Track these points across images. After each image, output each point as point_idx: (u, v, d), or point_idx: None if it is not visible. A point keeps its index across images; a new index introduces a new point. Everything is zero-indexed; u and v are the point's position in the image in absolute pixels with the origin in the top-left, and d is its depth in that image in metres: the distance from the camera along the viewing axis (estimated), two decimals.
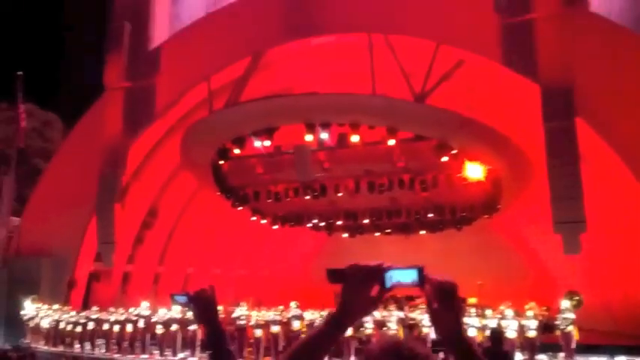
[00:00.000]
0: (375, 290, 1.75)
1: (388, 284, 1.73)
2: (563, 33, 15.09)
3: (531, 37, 15.31)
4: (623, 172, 14.96)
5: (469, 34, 15.98)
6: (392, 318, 15.42)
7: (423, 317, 15.14)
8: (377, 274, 1.73)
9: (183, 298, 2.63)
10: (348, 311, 1.76)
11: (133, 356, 17.84)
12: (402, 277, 1.73)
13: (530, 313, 14.42)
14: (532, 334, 14.23)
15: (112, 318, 18.52)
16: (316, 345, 1.76)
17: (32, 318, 20.58)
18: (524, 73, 15.40)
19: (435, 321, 1.77)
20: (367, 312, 1.79)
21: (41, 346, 19.55)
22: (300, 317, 15.96)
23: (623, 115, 14.86)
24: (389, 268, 1.73)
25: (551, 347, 14.89)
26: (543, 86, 14.99)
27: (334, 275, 1.78)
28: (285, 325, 16.24)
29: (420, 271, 1.72)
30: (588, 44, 15.13)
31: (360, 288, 1.74)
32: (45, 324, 19.93)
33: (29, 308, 20.87)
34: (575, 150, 14.55)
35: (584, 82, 14.74)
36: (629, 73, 14.92)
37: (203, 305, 2.56)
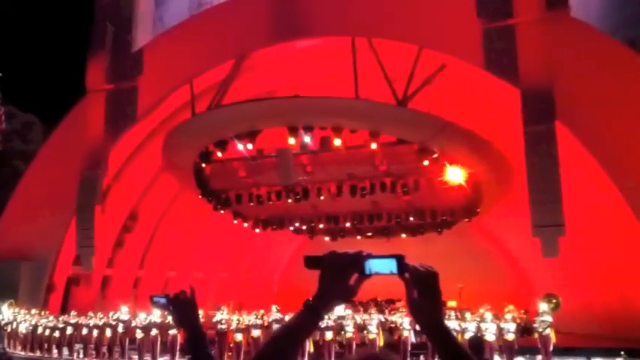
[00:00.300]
0: (353, 278, 1.70)
1: (367, 272, 1.69)
2: (544, 38, 15.26)
3: (512, 41, 15.46)
4: (601, 176, 15.11)
5: (451, 38, 16.11)
6: (372, 321, 15.42)
7: (403, 320, 15.16)
8: (356, 261, 1.69)
9: (162, 300, 2.58)
10: (325, 298, 1.71)
11: None
12: (382, 265, 1.68)
13: (508, 316, 14.50)
14: (510, 337, 14.30)
15: (91, 322, 18.30)
16: (293, 332, 1.72)
17: (9, 323, 20.27)
18: (505, 77, 15.54)
19: (414, 310, 1.72)
20: (344, 300, 1.75)
21: (18, 352, 19.26)
22: (281, 321, 15.87)
23: (602, 120, 15.04)
24: (368, 256, 1.69)
25: (530, 350, 14.98)
26: (524, 90, 15.13)
27: (312, 262, 1.74)
28: (266, 329, 16.15)
29: (400, 259, 1.67)
30: (569, 49, 15.31)
31: (337, 275, 1.69)
32: (22, 329, 19.64)
33: (6, 313, 20.57)
34: (555, 154, 14.68)
35: (564, 87, 14.90)
36: (608, 77, 15.09)
37: (183, 307, 2.51)
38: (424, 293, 1.69)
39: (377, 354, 1.70)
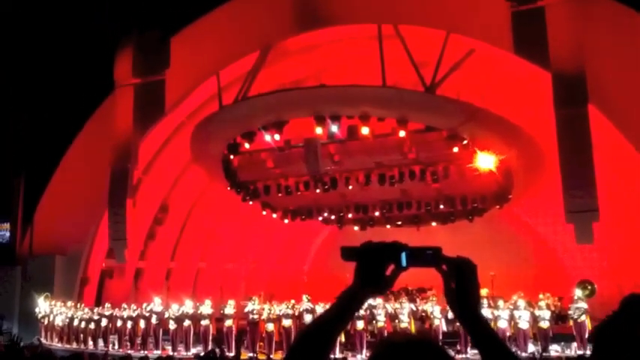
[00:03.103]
0: (389, 270, 1.69)
1: (404, 264, 1.67)
2: (574, 19, 14.92)
3: (542, 24, 15.12)
4: (635, 160, 14.77)
5: (479, 22, 15.83)
6: (404, 310, 15.37)
7: (434, 309, 15.07)
8: (392, 252, 1.67)
9: None
10: (360, 288, 1.70)
11: (146, 352, 17.89)
12: (419, 257, 1.67)
13: (542, 304, 14.31)
14: (545, 324, 14.12)
15: (125, 314, 18.60)
16: (329, 321, 1.73)
17: (46, 316, 20.71)
18: (535, 60, 15.23)
19: (451, 302, 1.73)
20: (380, 291, 1.73)
21: (55, 344, 19.67)
22: (311, 311, 15.93)
23: (637, 102, 14.66)
24: (405, 247, 1.67)
25: (565, 337, 14.77)
26: (555, 73, 14.82)
27: (348, 253, 1.72)
28: (297, 318, 16.22)
29: (437, 251, 1.68)
30: (599, 30, 14.95)
31: (373, 266, 1.68)
32: (58, 321, 20.05)
33: (42, 306, 21.00)
34: (588, 138, 14.36)
35: (596, 69, 14.56)
36: None
37: None
38: (462, 285, 1.71)
39: (430, 340, 1.68)
